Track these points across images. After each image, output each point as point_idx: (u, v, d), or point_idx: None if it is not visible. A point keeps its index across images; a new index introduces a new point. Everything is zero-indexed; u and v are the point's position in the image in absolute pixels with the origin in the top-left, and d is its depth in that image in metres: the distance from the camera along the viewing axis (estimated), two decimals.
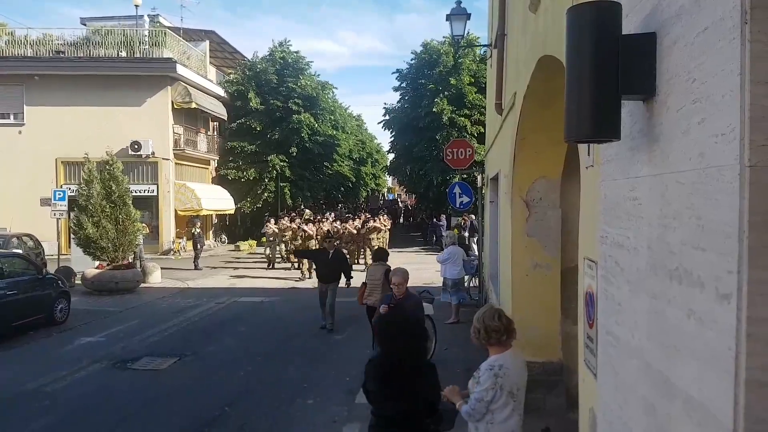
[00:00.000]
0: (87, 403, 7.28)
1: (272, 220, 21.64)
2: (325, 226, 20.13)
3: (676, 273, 1.80)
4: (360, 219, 22.95)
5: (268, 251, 21.11)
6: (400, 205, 57.19)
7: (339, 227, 20.77)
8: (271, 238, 20.84)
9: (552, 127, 5.75)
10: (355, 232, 20.66)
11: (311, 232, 18.94)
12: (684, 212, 1.75)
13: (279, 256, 21.08)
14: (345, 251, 15.03)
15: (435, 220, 27.45)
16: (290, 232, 20.01)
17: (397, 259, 19.88)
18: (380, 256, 9.45)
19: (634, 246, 2.20)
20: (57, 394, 7.58)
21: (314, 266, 12.80)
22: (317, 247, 17.24)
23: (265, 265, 20.97)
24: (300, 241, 19.05)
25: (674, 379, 1.81)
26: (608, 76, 1.97)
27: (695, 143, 1.68)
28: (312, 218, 23.27)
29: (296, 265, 19.13)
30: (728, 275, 1.47)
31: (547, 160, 6.32)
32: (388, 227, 23.72)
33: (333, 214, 28.74)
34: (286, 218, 21.87)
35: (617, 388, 2.45)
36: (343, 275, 10.96)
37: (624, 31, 2.04)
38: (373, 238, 20.27)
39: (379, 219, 22.54)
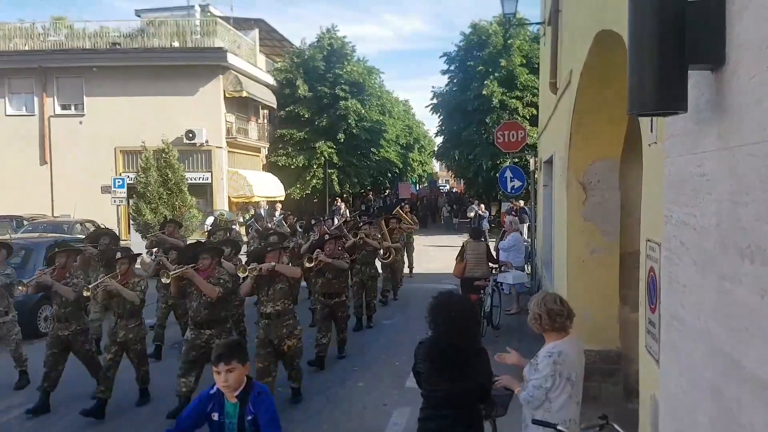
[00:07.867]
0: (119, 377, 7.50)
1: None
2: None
3: (747, 251, 1.70)
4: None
5: None
6: (443, 192, 45.69)
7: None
8: None
9: (610, 105, 5.54)
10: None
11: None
12: (757, 186, 1.64)
13: None
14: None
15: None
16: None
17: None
18: (478, 234, 10.00)
19: (701, 224, 2.10)
20: None
21: None
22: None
23: None
24: None
25: (744, 362, 1.72)
26: (674, 44, 1.86)
27: None
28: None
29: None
30: None
31: (605, 140, 6.09)
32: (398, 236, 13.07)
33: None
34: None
35: (681, 373, 2.36)
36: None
37: None
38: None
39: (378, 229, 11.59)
